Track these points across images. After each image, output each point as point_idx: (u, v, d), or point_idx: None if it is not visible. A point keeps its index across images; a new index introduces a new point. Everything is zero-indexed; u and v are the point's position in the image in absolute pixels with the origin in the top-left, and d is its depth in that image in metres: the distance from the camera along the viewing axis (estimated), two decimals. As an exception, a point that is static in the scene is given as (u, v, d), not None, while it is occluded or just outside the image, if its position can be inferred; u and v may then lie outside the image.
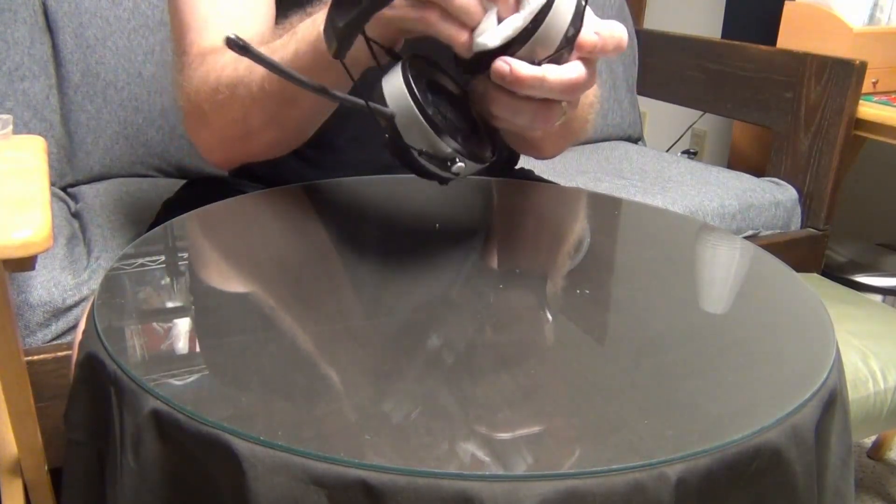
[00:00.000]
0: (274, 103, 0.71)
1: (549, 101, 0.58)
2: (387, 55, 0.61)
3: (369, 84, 0.59)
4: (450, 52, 0.59)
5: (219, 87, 0.73)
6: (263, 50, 0.70)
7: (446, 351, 0.51)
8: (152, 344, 0.51)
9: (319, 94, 0.56)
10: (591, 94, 0.83)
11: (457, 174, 0.59)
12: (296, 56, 0.67)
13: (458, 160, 0.58)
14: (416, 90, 0.56)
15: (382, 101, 0.57)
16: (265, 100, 0.71)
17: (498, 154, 0.63)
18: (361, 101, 0.57)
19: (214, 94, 0.73)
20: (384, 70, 0.58)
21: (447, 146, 0.57)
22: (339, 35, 0.55)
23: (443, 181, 0.60)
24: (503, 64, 0.55)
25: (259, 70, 0.70)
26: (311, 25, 0.67)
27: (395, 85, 0.57)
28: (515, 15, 0.56)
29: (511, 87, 0.56)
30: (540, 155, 0.92)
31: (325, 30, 0.57)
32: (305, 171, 0.85)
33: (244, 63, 0.71)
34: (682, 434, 0.44)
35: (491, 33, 0.56)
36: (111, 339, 0.50)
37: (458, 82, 0.63)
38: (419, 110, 0.56)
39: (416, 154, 0.57)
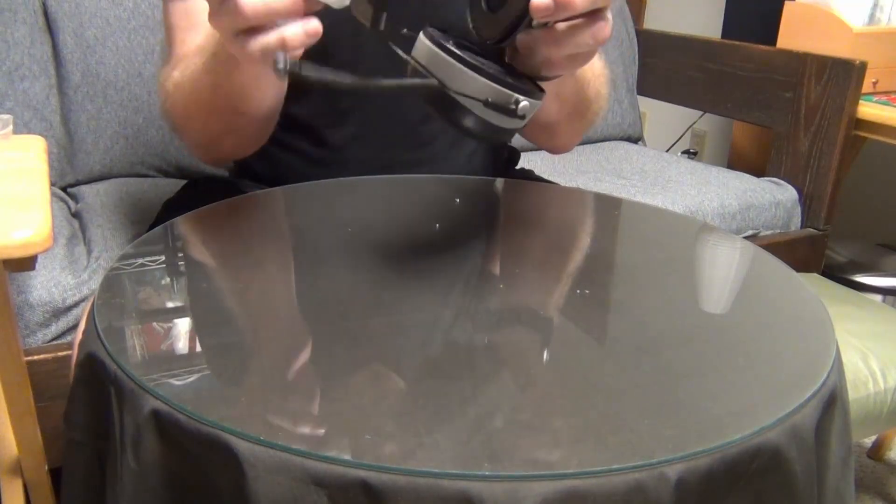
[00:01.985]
0: (225, 113, 0.73)
1: (594, 15, 0.57)
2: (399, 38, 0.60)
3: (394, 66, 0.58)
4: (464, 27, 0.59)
5: (184, 103, 0.75)
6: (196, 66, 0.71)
7: (447, 351, 0.51)
8: (152, 344, 0.51)
9: (390, 88, 0.56)
10: (598, 66, 0.83)
11: (524, 116, 0.57)
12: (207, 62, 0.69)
13: (521, 100, 0.56)
14: (452, 49, 0.55)
15: (419, 74, 0.56)
16: (217, 111, 0.73)
17: (497, 154, 0.63)
18: (431, 80, 0.55)
19: (184, 108, 0.76)
20: (402, 47, 0.58)
21: (505, 87, 0.55)
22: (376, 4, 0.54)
23: (509, 133, 0.59)
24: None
25: (204, 83, 0.71)
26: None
27: (429, 54, 0.56)
28: None
29: (562, 13, 0.55)
30: (556, 144, 0.92)
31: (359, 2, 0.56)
32: (305, 169, 0.85)
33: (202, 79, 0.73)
34: (682, 434, 0.44)
35: None
36: (111, 339, 0.50)
37: (477, 41, 0.61)
38: (465, 65, 0.55)
39: (482, 105, 0.56)
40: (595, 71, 0.82)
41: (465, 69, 0.55)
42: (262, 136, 0.79)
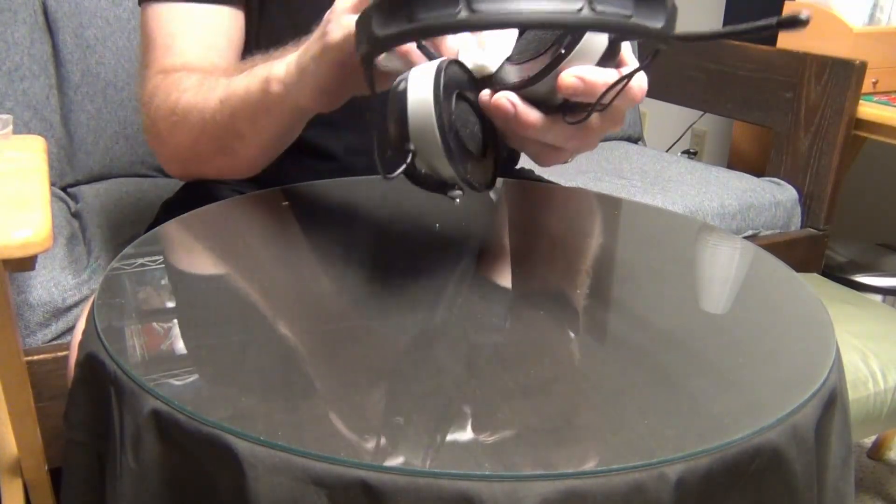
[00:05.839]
0: (222, 134, 0.72)
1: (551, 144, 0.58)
2: (423, 54, 0.58)
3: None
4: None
5: (175, 110, 0.74)
6: (223, 85, 0.70)
7: (446, 351, 0.51)
8: (152, 344, 0.51)
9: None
10: None
11: (453, 199, 0.58)
12: (246, 92, 0.69)
13: (456, 187, 0.56)
14: (442, 110, 0.52)
15: (404, 99, 0.53)
16: (215, 130, 0.72)
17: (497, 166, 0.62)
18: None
19: (170, 116, 0.75)
20: (413, 69, 0.54)
21: (451, 172, 0.54)
22: (374, 43, 0.50)
23: (440, 191, 0.59)
24: (507, 103, 0.54)
25: (212, 99, 0.71)
26: (266, 67, 0.68)
27: (422, 95, 0.52)
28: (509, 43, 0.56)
29: (513, 128, 0.55)
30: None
31: (358, 31, 0.53)
32: (304, 177, 0.85)
33: (203, 90, 0.72)
34: (682, 434, 0.44)
35: (478, 54, 0.55)
36: (111, 339, 0.50)
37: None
38: (440, 134, 0.52)
39: (415, 172, 0.56)
40: None
41: (438, 134, 0.52)
42: (258, 163, 0.78)
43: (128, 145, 1.41)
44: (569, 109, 0.55)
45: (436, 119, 0.51)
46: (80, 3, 1.35)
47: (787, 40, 1.70)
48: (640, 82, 0.55)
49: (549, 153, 0.60)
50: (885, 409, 1.13)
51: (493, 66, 0.56)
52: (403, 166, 0.53)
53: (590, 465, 0.40)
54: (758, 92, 1.72)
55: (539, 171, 1.07)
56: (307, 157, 0.87)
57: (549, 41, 0.55)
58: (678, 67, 1.92)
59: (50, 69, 1.35)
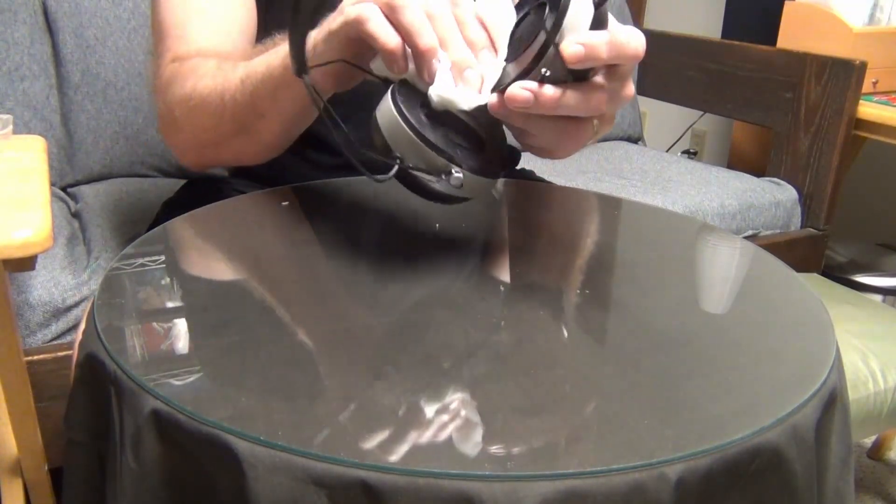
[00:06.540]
0: (243, 114, 0.72)
1: (576, 119, 0.57)
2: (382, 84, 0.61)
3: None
4: None
5: (192, 95, 0.74)
6: (243, 66, 0.71)
7: (446, 351, 0.51)
8: (152, 344, 0.51)
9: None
10: None
11: (459, 187, 0.58)
12: (268, 68, 0.69)
13: (454, 171, 0.57)
14: (402, 106, 0.56)
15: (377, 124, 0.57)
16: (235, 109, 0.72)
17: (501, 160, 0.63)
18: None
19: (187, 101, 0.74)
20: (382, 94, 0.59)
21: (440, 160, 0.56)
22: (295, 54, 0.57)
23: (449, 200, 0.59)
24: (525, 92, 0.53)
25: (233, 80, 0.71)
26: (285, 42, 0.68)
27: (384, 104, 0.57)
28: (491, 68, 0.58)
29: (533, 112, 0.55)
30: (552, 157, 0.92)
31: (290, 51, 0.59)
32: (305, 171, 0.85)
33: (221, 73, 0.72)
34: (682, 434, 0.44)
35: (450, 88, 0.57)
36: (111, 339, 0.50)
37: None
38: (405, 123, 0.55)
39: (409, 168, 0.57)
40: None
41: (403, 125, 0.55)
42: (277, 144, 0.78)
43: (128, 145, 1.41)
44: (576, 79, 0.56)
45: (399, 117, 0.56)
46: (80, 3, 1.35)
47: (787, 40, 1.70)
48: (638, 41, 0.55)
49: (570, 131, 0.59)
50: (885, 409, 1.13)
51: (464, 105, 0.57)
52: (394, 170, 0.57)
53: (590, 465, 0.40)
54: (758, 92, 1.72)
55: (539, 171, 1.07)
56: (311, 149, 0.87)
57: (534, 32, 0.56)
58: (678, 67, 1.92)
59: (50, 69, 1.35)
